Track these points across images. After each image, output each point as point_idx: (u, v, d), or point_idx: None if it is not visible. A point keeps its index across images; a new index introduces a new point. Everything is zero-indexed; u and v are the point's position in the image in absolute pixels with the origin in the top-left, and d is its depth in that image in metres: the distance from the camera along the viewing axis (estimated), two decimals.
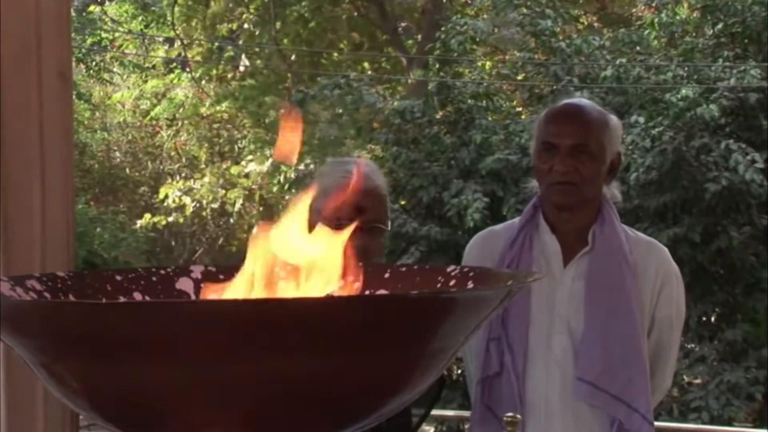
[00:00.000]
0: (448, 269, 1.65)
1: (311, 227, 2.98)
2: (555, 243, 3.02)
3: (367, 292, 1.64)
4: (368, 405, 1.39)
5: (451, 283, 1.62)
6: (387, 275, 1.69)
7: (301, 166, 16.63)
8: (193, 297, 1.65)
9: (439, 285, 1.62)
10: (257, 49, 18.92)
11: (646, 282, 3.00)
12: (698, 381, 11.17)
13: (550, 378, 2.96)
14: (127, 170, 20.71)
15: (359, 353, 1.30)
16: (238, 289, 1.48)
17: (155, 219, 17.83)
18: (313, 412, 1.33)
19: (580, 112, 3.03)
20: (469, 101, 12.81)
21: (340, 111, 14.79)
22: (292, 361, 1.26)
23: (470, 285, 1.59)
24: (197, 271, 1.70)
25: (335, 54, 18.55)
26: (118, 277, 1.64)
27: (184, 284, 1.68)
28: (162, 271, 1.69)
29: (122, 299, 1.61)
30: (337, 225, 2.83)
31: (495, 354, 2.95)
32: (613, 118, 3.08)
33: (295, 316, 1.25)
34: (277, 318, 1.24)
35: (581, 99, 3.20)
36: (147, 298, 1.63)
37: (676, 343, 3.12)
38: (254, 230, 1.54)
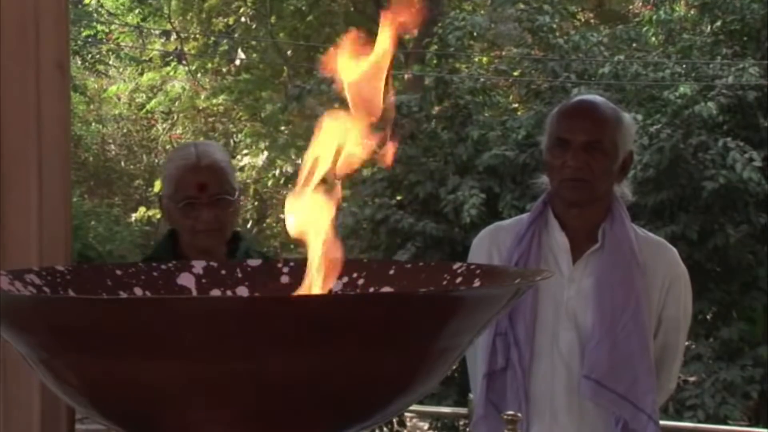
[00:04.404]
0: (454, 266, 1.62)
1: (164, 213, 3.15)
2: (564, 240, 3.00)
3: (371, 290, 1.62)
4: (372, 404, 1.36)
5: (458, 280, 1.59)
6: (392, 272, 1.66)
7: (299, 161, 16.60)
8: (194, 293, 1.63)
9: (444, 282, 1.60)
10: (253, 43, 18.90)
11: (654, 282, 2.99)
12: (694, 379, 11.17)
13: (555, 375, 2.95)
14: (122, 163, 20.71)
15: (364, 352, 1.28)
16: None
17: (150, 212, 17.82)
18: (315, 411, 1.31)
19: (594, 108, 3.01)
20: (467, 97, 12.79)
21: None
22: (295, 358, 1.24)
23: (477, 283, 1.56)
24: (198, 266, 1.68)
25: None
26: (119, 272, 1.62)
27: (186, 280, 1.66)
28: (163, 266, 1.67)
29: (123, 294, 1.58)
30: (184, 205, 3.01)
31: (501, 349, 2.93)
32: (627, 116, 3.06)
33: (298, 313, 1.23)
34: (280, 315, 1.22)
35: (595, 96, 3.17)
36: (148, 293, 1.61)
37: (681, 344, 3.10)
38: None
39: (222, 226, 2.97)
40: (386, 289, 1.63)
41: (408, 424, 11.64)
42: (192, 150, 3.02)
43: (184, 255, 2.94)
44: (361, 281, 1.65)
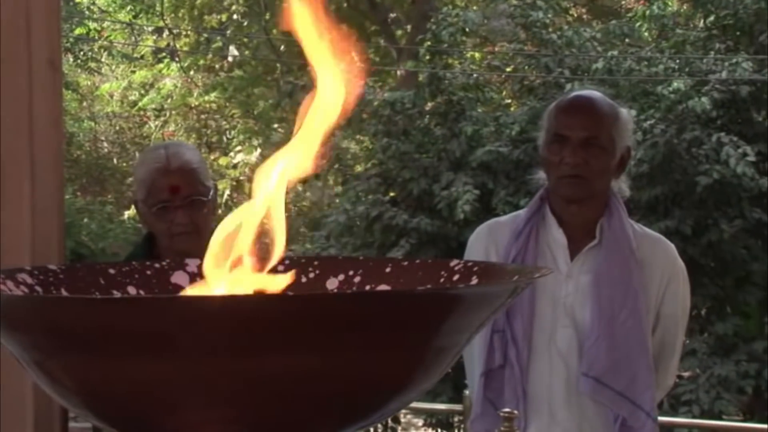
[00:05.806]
0: (451, 264, 1.60)
1: (140, 217, 3.11)
2: (562, 236, 2.98)
3: (367, 287, 1.60)
4: (370, 404, 1.35)
5: (455, 278, 1.57)
6: (388, 270, 1.64)
7: None
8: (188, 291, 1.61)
9: (442, 280, 1.58)
10: (246, 40, 18.88)
11: (652, 278, 2.97)
12: (688, 374, 11.18)
13: (553, 372, 2.94)
14: (115, 160, 20.70)
15: (362, 351, 1.25)
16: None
17: None
18: (312, 411, 1.29)
19: (591, 104, 2.99)
20: (460, 93, 12.79)
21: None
22: (292, 358, 1.22)
23: (475, 280, 1.54)
24: (192, 264, 1.66)
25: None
26: (112, 271, 1.60)
27: (180, 278, 1.64)
28: (157, 265, 1.65)
29: (116, 294, 1.56)
30: (159, 209, 2.98)
31: (499, 346, 2.92)
32: (624, 112, 3.04)
33: (295, 312, 1.21)
34: (277, 314, 1.20)
35: (592, 91, 3.15)
36: (141, 292, 1.59)
37: (680, 340, 3.09)
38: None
39: (198, 228, 2.92)
40: (383, 287, 1.61)
41: (402, 420, 11.64)
42: (162, 152, 2.96)
43: (162, 258, 2.90)
44: (357, 279, 1.63)
